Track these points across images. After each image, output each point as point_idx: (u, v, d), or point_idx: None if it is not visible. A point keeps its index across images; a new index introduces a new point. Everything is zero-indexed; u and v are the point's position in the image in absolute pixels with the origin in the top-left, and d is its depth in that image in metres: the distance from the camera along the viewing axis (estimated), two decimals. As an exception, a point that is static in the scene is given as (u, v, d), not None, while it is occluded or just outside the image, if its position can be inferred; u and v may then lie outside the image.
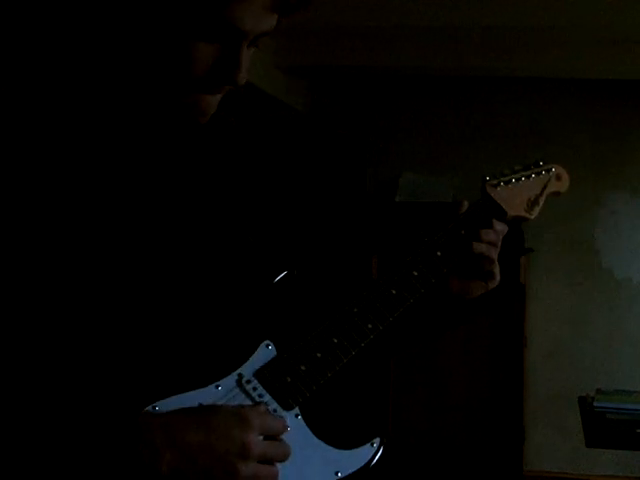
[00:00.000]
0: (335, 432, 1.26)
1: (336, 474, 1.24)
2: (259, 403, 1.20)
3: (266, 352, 1.24)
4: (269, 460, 1.15)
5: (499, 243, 1.43)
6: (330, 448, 1.24)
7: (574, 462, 5.34)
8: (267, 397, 1.22)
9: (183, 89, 1.16)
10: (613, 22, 4.14)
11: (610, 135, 5.37)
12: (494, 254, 1.42)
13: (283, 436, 1.19)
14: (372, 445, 1.27)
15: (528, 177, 1.54)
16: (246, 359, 1.23)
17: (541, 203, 1.54)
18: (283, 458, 1.18)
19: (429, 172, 5.38)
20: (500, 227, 1.44)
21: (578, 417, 3.81)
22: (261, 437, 1.16)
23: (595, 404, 3.75)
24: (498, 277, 1.44)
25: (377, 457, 1.26)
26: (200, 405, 1.16)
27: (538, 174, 1.56)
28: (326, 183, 5.19)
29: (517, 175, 1.53)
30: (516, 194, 1.51)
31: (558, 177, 1.58)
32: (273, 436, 1.17)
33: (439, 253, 1.39)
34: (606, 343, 5.39)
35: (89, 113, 1.18)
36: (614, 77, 5.11)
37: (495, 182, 1.50)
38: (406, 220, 5.15)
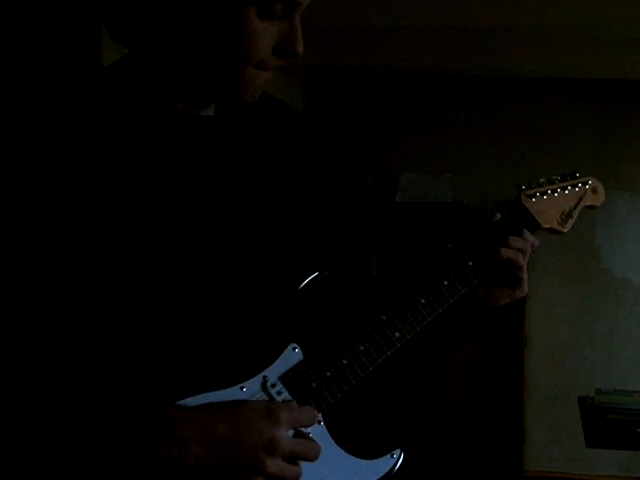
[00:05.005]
0: (356, 441, 1.25)
1: None
2: None
3: (292, 355, 1.22)
4: (299, 458, 1.15)
5: (529, 251, 1.41)
6: (351, 457, 1.23)
7: (574, 462, 5.33)
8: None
9: (246, 69, 1.17)
10: (613, 22, 4.13)
11: (610, 135, 5.37)
12: (522, 261, 1.40)
13: None
14: (392, 456, 1.26)
15: (564, 189, 1.53)
16: (272, 361, 1.21)
17: (575, 217, 1.53)
18: (313, 456, 1.17)
19: (429, 172, 5.38)
20: (530, 237, 1.43)
21: (578, 417, 3.81)
22: (290, 434, 1.15)
23: (595, 404, 3.74)
24: (526, 286, 1.42)
25: (396, 468, 1.25)
26: (229, 400, 1.15)
27: (574, 186, 1.54)
28: (326, 183, 5.17)
29: (553, 187, 1.51)
30: (551, 206, 1.50)
31: (594, 190, 1.56)
32: (304, 434, 1.17)
33: (471, 263, 1.38)
34: (606, 343, 5.39)
35: (106, 106, 1.18)
36: (614, 77, 5.11)
37: (531, 192, 1.48)
38: (406, 220, 5.15)
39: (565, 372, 5.41)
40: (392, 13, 4.21)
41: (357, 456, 1.24)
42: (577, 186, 1.55)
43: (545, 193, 1.50)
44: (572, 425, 4.64)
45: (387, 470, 1.25)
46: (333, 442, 1.22)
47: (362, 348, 1.26)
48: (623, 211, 5.39)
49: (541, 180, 1.51)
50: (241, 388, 1.18)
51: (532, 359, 5.33)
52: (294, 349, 1.23)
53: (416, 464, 4.89)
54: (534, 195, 1.48)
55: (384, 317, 1.29)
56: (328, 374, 1.22)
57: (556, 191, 1.51)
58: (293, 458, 1.14)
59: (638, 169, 5.37)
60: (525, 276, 1.41)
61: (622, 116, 5.35)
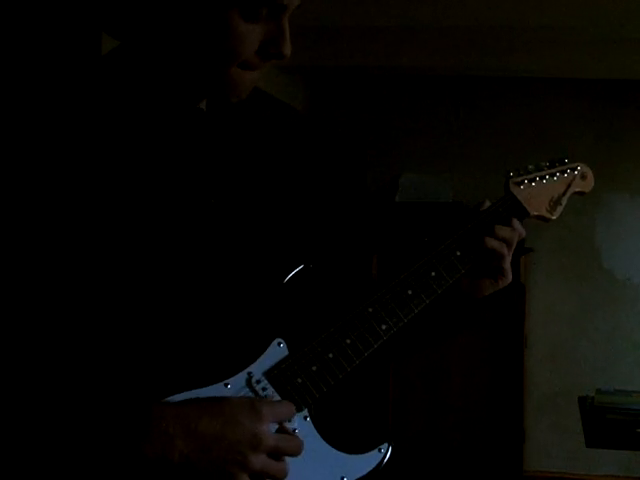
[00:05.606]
0: (343, 436, 1.24)
1: (342, 479, 1.23)
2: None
3: (277, 351, 1.22)
4: (282, 453, 1.15)
5: (514, 241, 1.40)
6: (337, 452, 1.23)
7: (574, 462, 5.33)
8: (276, 398, 1.20)
9: (231, 69, 1.17)
10: (613, 22, 4.13)
11: (610, 135, 5.37)
12: (507, 251, 1.39)
13: None
14: (380, 451, 1.26)
15: (552, 176, 1.51)
16: (257, 357, 1.21)
17: (564, 203, 1.51)
18: (296, 452, 1.17)
19: (429, 172, 5.38)
20: (519, 227, 1.41)
21: (578, 417, 3.81)
22: (273, 430, 1.15)
23: (595, 404, 3.74)
24: (510, 276, 1.41)
25: (384, 463, 1.25)
26: (213, 396, 1.15)
27: (563, 172, 1.52)
28: (326, 183, 5.18)
29: (542, 173, 1.49)
30: (539, 193, 1.48)
31: (583, 176, 1.54)
32: (287, 430, 1.17)
33: (458, 253, 1.37)
34: (606, 343, 5.39)
35: (104, 103, 1.18)
36: (614, 77, 5.11)
37: (519, 180, 1.47)
38: (406, 220, 5.15)
39: (565, 372, 5.40)
40: (392, 13, 4.21)
41: (345, 451, 1.24)
42: (565, 172, 1.53)
43: (533, 180, 1.48)
44: (572, 425, 4.64)
45: (375, 464, 1.25)
46: (319, 437, 1.22)
47: (348, 341, 1.25)
48: (623, 211, 5.39)
49: (529, 167, 1.50)
50: (226, 385, 1.18)
51: (532, 359, 5.33)
52: (279, 344, 1.22)
53: (416, 464, 4.89)
54: (522, 182, 1.47)
55: (370, 309, 1.28)
56: (314, 368, 1.22)
57: (544, 178, 1.49)
58: (277, 454, 1.14)
59: (638, 169, 5.37)
60: (507, 266, 1.40)
61: (622, 116, 5.35)
